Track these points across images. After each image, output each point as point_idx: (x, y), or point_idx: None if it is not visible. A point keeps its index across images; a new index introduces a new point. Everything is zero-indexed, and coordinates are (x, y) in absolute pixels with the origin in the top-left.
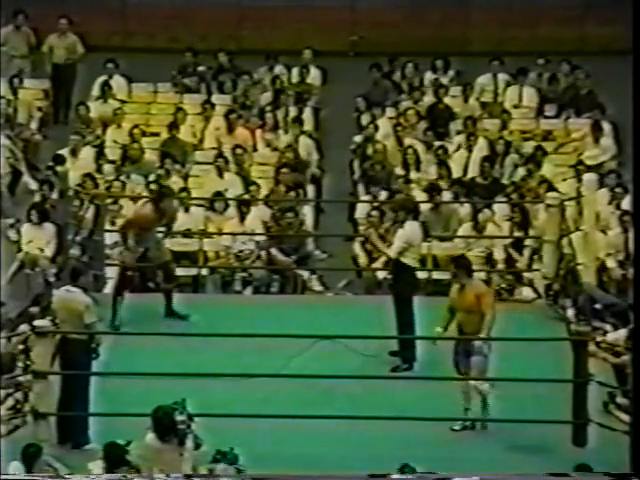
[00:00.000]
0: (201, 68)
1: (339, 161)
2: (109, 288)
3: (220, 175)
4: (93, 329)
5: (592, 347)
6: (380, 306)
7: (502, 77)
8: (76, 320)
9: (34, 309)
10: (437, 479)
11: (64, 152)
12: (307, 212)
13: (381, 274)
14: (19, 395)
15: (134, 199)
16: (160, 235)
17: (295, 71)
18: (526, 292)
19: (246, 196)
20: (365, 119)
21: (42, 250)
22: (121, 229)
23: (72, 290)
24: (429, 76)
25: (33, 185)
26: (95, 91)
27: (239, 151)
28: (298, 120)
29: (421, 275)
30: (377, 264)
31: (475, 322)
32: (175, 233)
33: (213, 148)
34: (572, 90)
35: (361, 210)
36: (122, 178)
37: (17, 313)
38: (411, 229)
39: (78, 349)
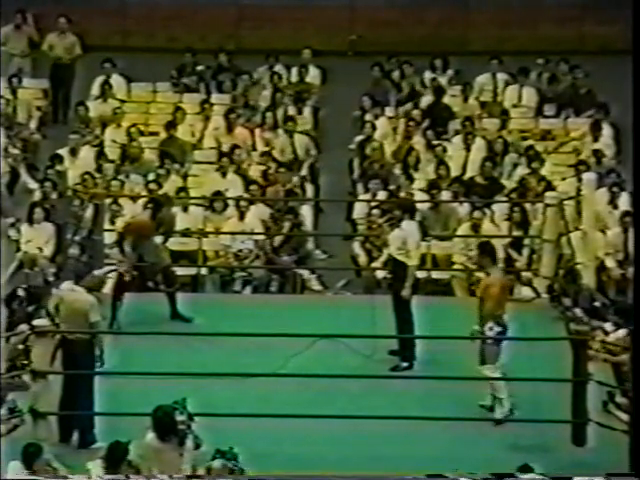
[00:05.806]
0: (200, 68)
1: (338, 160)
2: (108, 288)
3: (223, 175)
4: (97, 328)
5: (592, 346)
6: (380, 306)
7: (501, 77)
8: (80, 319)
9: (32, 308)
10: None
11: (63, 152)
12: (306, 212)
13: (381, 274)
14: (18, 395)
15: (133, 199)
16: (158, 241)
17: (294, 70)
18: (526, 292)
19: (246, 195)
20: (369, 118)
21: (41, 249)
22: (118, 235)
23: (76, 289)
24: (428, 76)
25: (32, 184)
26: (94, 90)
27: (238, 151)
28: (293, 119)
29: (420, 275)
30: (376, 263)
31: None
32: (174, 234)
33: (212, 148)
34: (571, 90)
35: (360, 209)
36: (121, 177)
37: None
38: (409, 228)
39: (81, 349)
